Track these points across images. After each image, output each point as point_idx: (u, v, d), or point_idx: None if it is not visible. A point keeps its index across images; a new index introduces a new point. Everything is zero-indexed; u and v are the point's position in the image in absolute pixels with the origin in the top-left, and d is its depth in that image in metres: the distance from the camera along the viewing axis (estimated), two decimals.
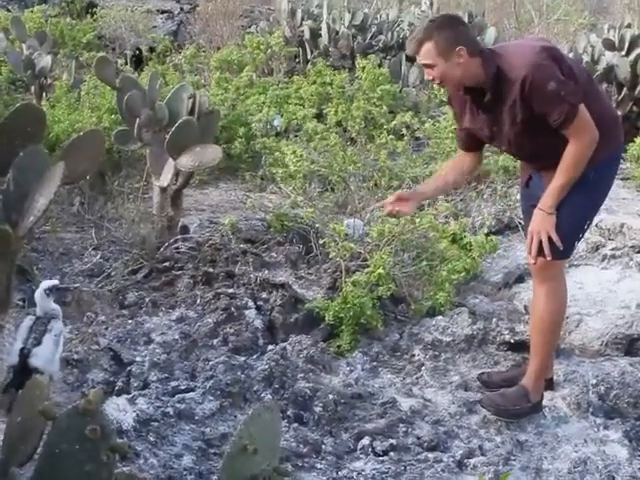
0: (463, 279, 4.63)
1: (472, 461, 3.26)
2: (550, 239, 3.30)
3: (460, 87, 3.38)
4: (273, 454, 1.98)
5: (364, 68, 8.04)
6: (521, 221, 4.62)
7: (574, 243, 3.46)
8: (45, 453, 1.72)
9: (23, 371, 3.18)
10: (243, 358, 3.85)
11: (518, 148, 3.44)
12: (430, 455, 3.28)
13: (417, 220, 4.68)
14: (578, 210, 3.37)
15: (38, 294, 3.40)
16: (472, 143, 3.60)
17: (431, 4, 10.84)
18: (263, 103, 7.44)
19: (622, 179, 7.19)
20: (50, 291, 3.41)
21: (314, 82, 8.12)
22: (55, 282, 3.51)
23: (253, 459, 1.87)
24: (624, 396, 3.74)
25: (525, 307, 4.55)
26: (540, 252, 3.35)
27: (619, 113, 8.16)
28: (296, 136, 6.88)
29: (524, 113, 3.20)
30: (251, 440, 1.88)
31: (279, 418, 2.11)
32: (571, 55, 8.54)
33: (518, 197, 4.39)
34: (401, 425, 3.47)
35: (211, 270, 4.62)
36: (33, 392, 1.95)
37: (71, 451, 1.70)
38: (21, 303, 4.15)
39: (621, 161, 7.26)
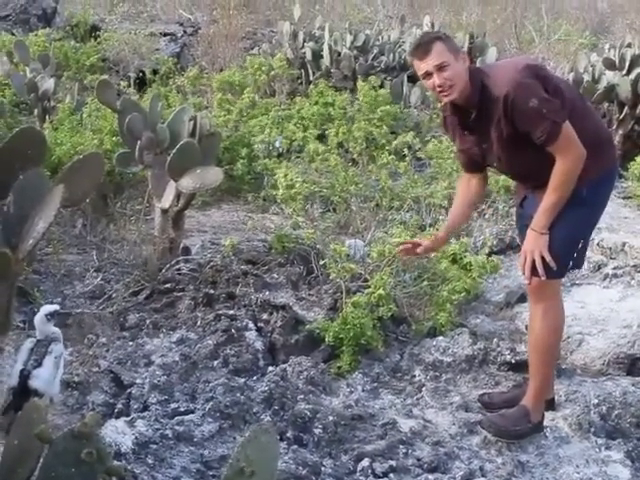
0: (464, 299, 4.63)
1: None
2: (543, 259, 3.30)
3: (448, 107, 3.38)
4: (270, 476, 1.97)
5: (372, 88, 8.08)
6: None
7: (568, 262, 3.44)
8: (42, 476, 1.73)
9: (23, 393, 3.17)
10: (243, 380, 3.84)
11: (508, 165, 3.44)
12: (430, 476, 3.26)
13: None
14: (571, 229, 3.35)
15: (38, 318, 3.40)
16: (473, 164, 3.60)
17: (432, 25, 10.88)
18: (265, 124, 7.47)
19: (623, 198, 7.21)
20: (51, 316, 3.41)
21: (316, 103, 8.16)
22: (56, 307, 3.51)
23: None
24: (626, 416, 3.73)
25: (526, 327, 4.53)
26: (534, 272, 3.34)
27: (621, 132, 8.25)
28: (298, 157, 6.92)
29: (509, 130, 3.21)
30: (248, 462, 1.87)
31: (276, 440, 2.11)
32: (572, 74, 8.60)
33: None
34: (401, 446, 3.45)
35: (212, 291, 4.63)
36: (30, 415, 1.95)
37: (67, 474, 1.71)
38: (22, 325, 4.16)
39: (623, 180, 7.37)
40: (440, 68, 3.22)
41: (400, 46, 10.42)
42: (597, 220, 3.50)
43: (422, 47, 3.27)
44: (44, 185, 3.15)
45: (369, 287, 4.32)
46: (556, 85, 3.25)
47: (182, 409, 3.58)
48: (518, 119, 3.16)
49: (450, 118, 3.46)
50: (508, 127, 3.20)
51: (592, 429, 3.66)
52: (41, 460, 1.74)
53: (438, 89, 3.27)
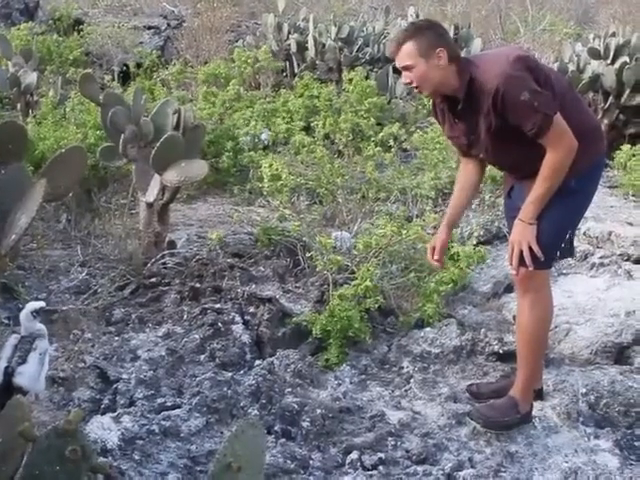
0: (451, 290, 4.62)
1: (462, 474, 3.23)
2: (531, 249, 3.28)
3: (437, 95, 3.36)
4: (258, 471, 1.96)
5: (351, 80, 8.06)
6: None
7: (556, 253, 3.43)
8: (25, 474, 1.71)
9: (8, 390, 3.14)
10: (230, 374, 3.81)
11: (496, 156, 3.42)
12: (419, 468, 3.25)
13: (404, 232, 4.68)
14: (559, 220, 3.33)
15: (24, 315, 3.36)
16: (461, 145, 3.56)
17: (417, 16, 10.86)
18: (250, 117, 7.45)
19: (610, 187, 7.23)
20: (37, 313, 3.38)
21: (301, 95, 8.13)
22: (41, 304, 3.47)
23: (237, 477, 1.85)
24: (614, 405, 3.73)
25: (514, 317, 4.53)
26: (522, 263, 3.33)
27: (606, 121, 8.27)
28: (284, 149, 6.89)
29: (498, 122, 3.18)
30: (235, 457, 1.86)
31: (263, 434, 2.10)
32: (557, 64, 8.61)
33: None
34: (390, 438, 3.44)
35: (198, 285, 4.60)
36: (14, 412, 1.93)
37: (52, 472, 1.69)
38: (7, 321, 4.12)
39: (609, 169, 7.39)
40: (406, 69, 3.27)
41: (385, 37, 10.40)
42: (585, 210, 3.49)
43: (393, 46, 3.35)
44: (26, 180, 3.12)
45: (356, 279, 4.31)
46: (547, 76, 3.22)
47: (169, 404, 3.55)
48: (509, 112, 3.13)
49: (439, 105, 3.44)
50: (497, 119, 3.17)
51: (580, 418, 3.67)
52: (25, 458, 1.72)
53: (408, 85, 3.36)
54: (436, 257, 3.66)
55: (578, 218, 3.48)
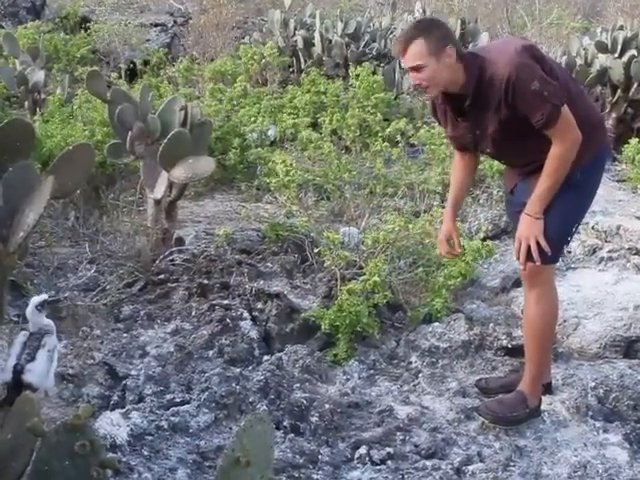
0: (460, 284, 4.61)
1: (471, 468, 3.23)
2: (538, 244, 3.27)
3: (439, 96, 3.33)
4: (267, 466, 1.96)
5: (358, 76, 8.05)
6: None
7: (563, 247, 3.43)
8: (35, 470, 1.71)
9: (17, 387, 3.15)
10: (238, 369, 3.81)
11: (502, 149, 3.40)
12: (428, 463, 3.25)
13: (412, 227, 4.67)
14: (566, 214, 3.32)
15: (29, 310, 3.37)
16: (465, 147, 3.55)
17: (424, 11, 10.84)
18: (257, 113, 7.45)
19: (618, 181, 7.21)
20: (42, 306, 3.38)
21: (308, 91, 8.13)
22: (44, 296, 3.47)
23: (246, 472, 1.85)
24: (623, 399, 3.72)
25: (522, 311, 4.52)
26: (529, 257, 3.31)
27: (614, 115, 8.25)
28: (291, 145, 6.89)
29: (508, 113, 3.16)
30: (244, 452, 1.86)
31: (272, 429, 2.10)
32: (564, 58, 8.58)
33: None
34: (398, 433, 3.44)
35: (206, 281, 4.60)
36: (23, 408, 1.93)
37: (61, 467, 1.69)
38: (16, 319, 4.13)
39: (617, 163, 7.37)
40: (416, 69, 3.18)
41: (392, 33, 10.37)
42: (590, 204, 3.47)
43: (400, 44, 3.21)
44: (33, 177, 3.13)
45: (364, 274, 4.30)
46: (550, 66, 3.21)
47: (177, 400, 3.56)
48: (519, 101, 3.11)
49: (441, 105, 3.41)
50: (507, 110, 3.15)
51: (590, 412, 3.66)
52: (34, 454, 1.72)
53: (417, 86, 3.27)
54: (459, 250, 3.73)
55: (584, 212, 3.46)
